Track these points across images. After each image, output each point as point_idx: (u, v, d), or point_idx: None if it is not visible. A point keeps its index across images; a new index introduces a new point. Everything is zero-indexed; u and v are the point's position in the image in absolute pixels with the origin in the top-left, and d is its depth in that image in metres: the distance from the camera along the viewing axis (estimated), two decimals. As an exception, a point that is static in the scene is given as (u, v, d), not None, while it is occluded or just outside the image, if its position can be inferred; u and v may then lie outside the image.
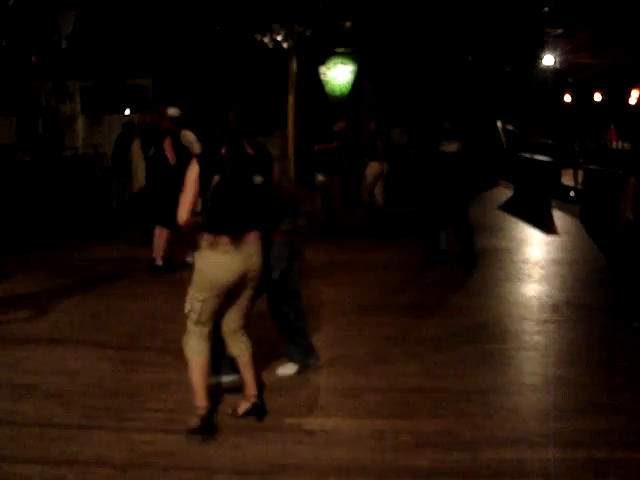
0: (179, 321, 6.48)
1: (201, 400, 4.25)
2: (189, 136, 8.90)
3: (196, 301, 4.24)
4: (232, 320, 4.43)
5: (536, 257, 9.80)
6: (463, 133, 9.05)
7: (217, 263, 4.14)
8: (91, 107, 17.98)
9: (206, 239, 4.14)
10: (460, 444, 4.17)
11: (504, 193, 15.64)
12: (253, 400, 4.44)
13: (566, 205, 13.85)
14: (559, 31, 17.44)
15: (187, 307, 4.29)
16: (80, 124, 18.10)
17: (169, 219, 8.33)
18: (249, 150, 4.21)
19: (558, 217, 12.30)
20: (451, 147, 8.83)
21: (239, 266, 4.17)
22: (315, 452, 4.08)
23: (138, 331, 6.26)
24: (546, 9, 16.08)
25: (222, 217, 4.13)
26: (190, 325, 4.32)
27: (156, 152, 8.28)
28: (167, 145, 8.24)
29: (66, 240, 10.45)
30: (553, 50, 18.21)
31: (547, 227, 11.54)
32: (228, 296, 4.31)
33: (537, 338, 6.24)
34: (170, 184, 8.31)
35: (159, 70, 17.84)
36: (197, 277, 4.23)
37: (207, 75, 17.50)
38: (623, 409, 4.67)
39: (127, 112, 17.56)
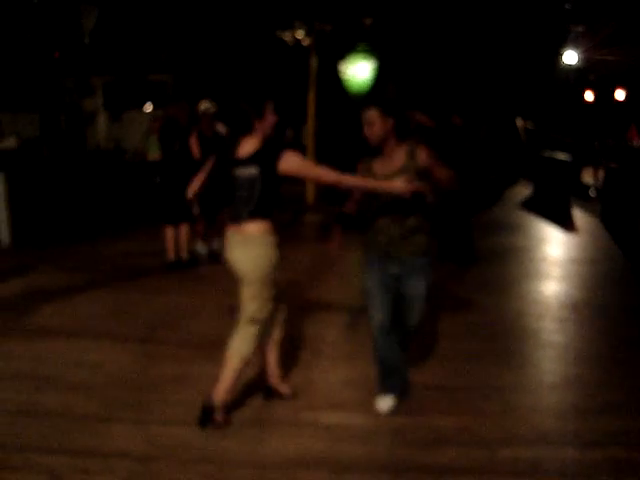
0: (199, 315, 6.60)
1: None
2: (222, 129, 9.03)
3: None
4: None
5: (555, 256, 9.75)
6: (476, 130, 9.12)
7: None
8: (113, 103, 18.12)
9: None
10: (478, 442, 4.18)
11: (524, 191, 15.57)
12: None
13: (586, 204, 13.77)
14: (581, 28, 17.33)
15: None
16: (102, 120, 18.26)
17: (189, 213, 8.40)
18: (243, 144, 4.24)
19: (578, 216, 12.24)
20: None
21: (228, 254, 4.33)
22: (332, 447, 4.10)
23: (159, 324, 6.31)
24: (568, 6, 15.98)
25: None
26: None
27: (181, 147, 8.27)
28: (193, 140, 8.25)
29: (89, 234, 10.54)
30: (575, 47, 18.10)
31: (567, 226, 11.49)
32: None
33: (556, 337, 6.22)
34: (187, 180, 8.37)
35: (180, 66, 17.93)
36: None
37: (228, 71, 17.57)
38: (642, 409, 4.65)
39: (149, 108, 17.68)
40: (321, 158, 12.26)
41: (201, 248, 9.05)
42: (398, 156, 4.33)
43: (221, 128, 9.01)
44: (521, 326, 6.54)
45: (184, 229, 8.45)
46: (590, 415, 4.56)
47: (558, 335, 6.26)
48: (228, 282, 7.69)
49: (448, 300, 7.29)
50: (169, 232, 8.44)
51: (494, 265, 9.02)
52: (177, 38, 16.99)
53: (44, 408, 4.56)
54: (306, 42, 12.93)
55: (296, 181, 4.65)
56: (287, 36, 12.91)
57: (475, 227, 9.38)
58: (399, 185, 4.06)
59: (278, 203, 4.30)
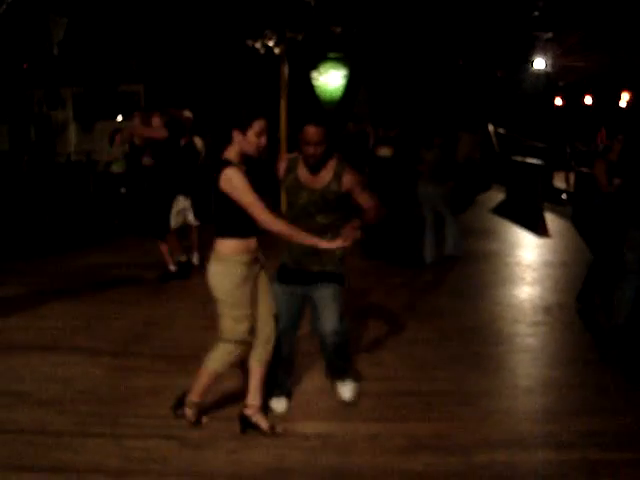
0: (172, 327, 6.55)
1: None
2: (198, 142, 8.96)
3: None
4: None
5: (528, 259, 9.83)
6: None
7: None
8: (83, 114, 17.97)
9: None
10: (454, 447, 4.18)
11: (497, 196, 15.68)
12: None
13: (558, 207, 13.89)
14: (549, 35, 17.57)
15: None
16: (72, 131, 18.09)
17: (163, 228, 8.33)
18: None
19: (550, 219, 12.34)
20: (384, 151, 9.42)
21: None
22: (309, 456, 4.08)
23: (131, 337, 6.25)
24: (536, 13, 16.20)
25: None
26: None
27: (155, 161, 8.18)
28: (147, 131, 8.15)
29: (59, 246, 10.42)
30: (544, 54, 18.34)
31: (539, 230, 11.58)
32: None
33: (530, 340, 6.26)
34: (163, 192, 8.33)
35: (151, 76, 17.84)
36: None
37: (199, 81, 17.52)
38: (616, 410, 4.69)
39: (119, 118, 17.56)
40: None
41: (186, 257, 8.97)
42: (325, 172, 4.29)
43: (198, 143, 8.94)
44: (495, 330, 6.58)
45: (169, 239, 8.35)
46: (565, 417, 4.60)
47: (532, 339, 6.30)
48: (201, 294, 7.69)
49: (422, 305, 7.32)
50: (163, 245, 8.33)
51: (468, 270, 9.07)
52: (147, 48, 16.92)
53: (16, 425, 4.48)
54: (277, 50, 12.93)
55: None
56: (258, 45, 12.91)
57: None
58: (336, 244, 3.94)
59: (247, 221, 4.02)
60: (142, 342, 6.13)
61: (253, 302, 4.19)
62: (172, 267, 8.34)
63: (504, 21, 16.85)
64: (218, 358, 4.23)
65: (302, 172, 4.33)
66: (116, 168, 12.04)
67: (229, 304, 4.11)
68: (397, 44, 17.33)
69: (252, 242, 4.12)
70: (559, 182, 16.23)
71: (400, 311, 7.08)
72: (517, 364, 5.77)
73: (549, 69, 18.87)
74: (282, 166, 4.44)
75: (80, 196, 13.11)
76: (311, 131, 4.13)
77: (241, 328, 4.14)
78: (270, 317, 4.31)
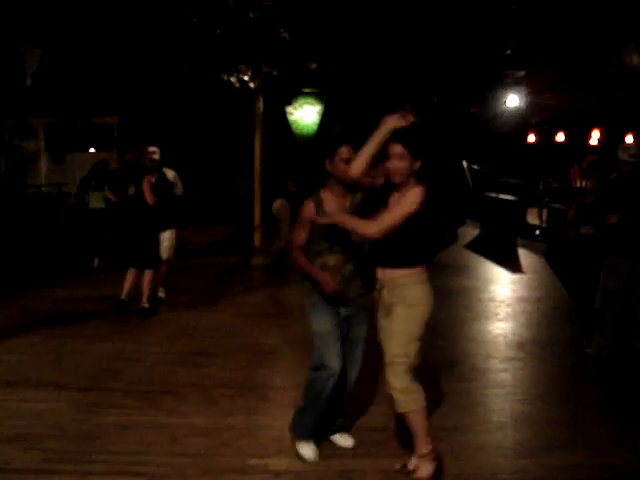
0: (143, 362, 6.45)
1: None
2: (170, 174, 8.94)
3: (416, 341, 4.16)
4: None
5: (502, 295, 9.86)
6: None
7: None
8: (55, 145, 17.86)
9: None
10: (428, 483, 4.13)
11: (470, 232, 15.80)
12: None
13: (531, 243, 14.03)
14: (521, 73, 17.90)
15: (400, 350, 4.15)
16: (43, 162, 17.96)
17: (154, 260, 8.30)
18: None
19: (524, 255, 12.45)
20: None
21: None
22: (281, 494, 4.01)
23: (100, 372, 6.14)
24: (508, 52, 16.52)
25: None
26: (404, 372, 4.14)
27: (136, 192, 8.17)
28: (146, 185, 8.13)
29: (29, 279, 10.28)
30: (517, 91, 18.66)
31: (513, 265, 11.66)
32: None
33: (503, 375, 6.26)
34: (150, 224, 8.30)
35: (125, 108, 17.84)
36: (418, 311, 4.17)
37: (173, 114, 17.56)
38: (589, 444, 4.69)
39: (92, 150, 17.49)
40: (268, 200, 12.25)
41: (162, 293, 8.94)
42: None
43: (169, 174, 8.90)
44: (469, 366, 6.56)
45: (147, 276, 8.24)
46: (538, 452, 4.59)
47: (506, 374, 6.30)
48: (172, 328, 7.62)
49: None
50: (131, 275, 8.25)
51: (442, 306, 9.04)
52: (122, 80, 16.92)
53: (-21, 462, 4.36)
54: (252, 85, 13.03)
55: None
56: (233, 79, 13.00)
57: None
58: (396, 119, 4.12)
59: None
60: (111, 377, 6.01)
61: None
62: (146, 304, 8.26)
63: (477, 59, 17.15)
64: (401, 397, 4.10)
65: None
66: (94, 203, 11.82)
67: (419, 325, 4.20)
68: (372, 81, 17.52)
69: None
70: (532, 218, 16.42)
71: (373, 346, 7.02)
72: (490, 399, 5.75)
73: (522, 106, 19.18)
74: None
75: (51, 228, 12.97)
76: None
77: (414, 347, 4.20)
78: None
